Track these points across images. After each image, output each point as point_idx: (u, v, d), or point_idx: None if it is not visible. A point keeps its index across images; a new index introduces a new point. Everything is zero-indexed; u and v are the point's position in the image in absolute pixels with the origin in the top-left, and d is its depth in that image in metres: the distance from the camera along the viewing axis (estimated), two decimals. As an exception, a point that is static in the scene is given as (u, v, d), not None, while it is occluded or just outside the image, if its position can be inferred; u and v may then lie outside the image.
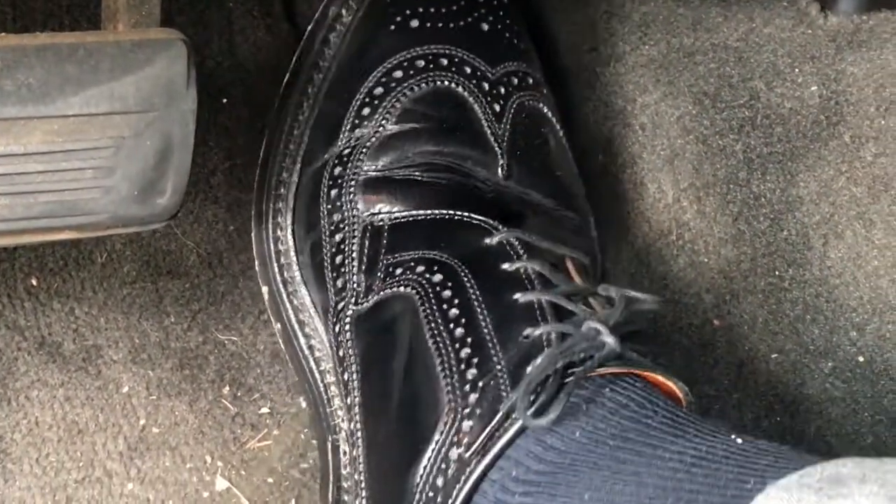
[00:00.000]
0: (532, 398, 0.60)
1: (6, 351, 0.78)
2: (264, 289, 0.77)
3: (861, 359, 0.78)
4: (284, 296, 0.76)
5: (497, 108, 0.73)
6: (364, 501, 0.67)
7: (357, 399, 0.68)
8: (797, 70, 0.81)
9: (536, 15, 0.86)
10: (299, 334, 0.75)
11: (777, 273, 0.80)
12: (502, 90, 0.74)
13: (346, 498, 0.71)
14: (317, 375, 0.75)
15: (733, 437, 0.57)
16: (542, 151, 0.75)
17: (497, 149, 0.72)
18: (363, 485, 0.67)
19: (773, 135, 0.81)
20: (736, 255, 0.81)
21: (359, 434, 0.68)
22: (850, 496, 0.47)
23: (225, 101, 0.85)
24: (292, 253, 0.76)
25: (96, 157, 0.59)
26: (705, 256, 0.81)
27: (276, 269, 0.76)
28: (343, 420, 0.73)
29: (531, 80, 0.76)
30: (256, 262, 0.78)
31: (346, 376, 0.70)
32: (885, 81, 0.80)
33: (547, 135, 0.76)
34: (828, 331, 0.79)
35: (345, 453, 0.72)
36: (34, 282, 0.79)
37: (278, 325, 0.77)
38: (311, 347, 0.75)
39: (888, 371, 0.78)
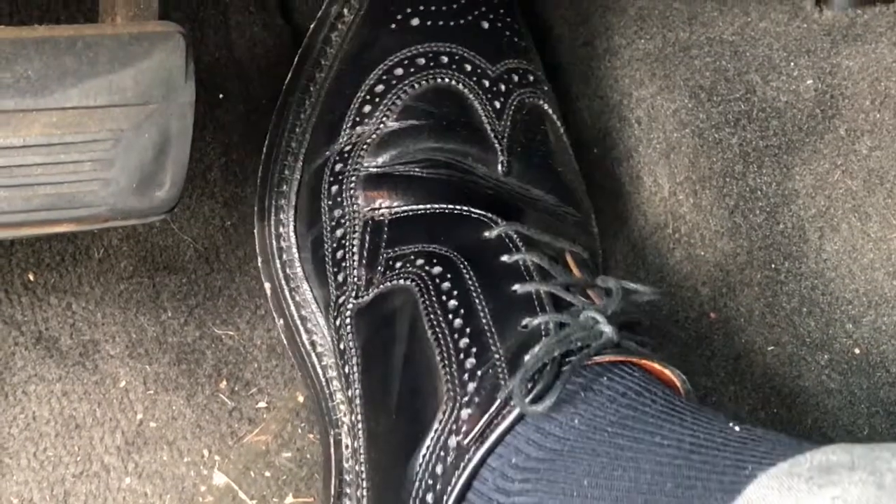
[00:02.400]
0: (529, 386, 0.60)
1: (3, 346, 0.78)
2: (267, 285, 0.77)
3: (857, 351, 0.78)
4: (287, 292, 0.76)
5: (497, 104, 0.73)
6: (365, 492, 0.67)
7: (357, 391, 0.69)
8: (793, 64, 0.81)
9: (531, 10, 0.86)
10: (301, 330, 0.75)
11: (773, 266, 0.80)
12: (502, 87, 0.74)
13: (347, 490, 0.71)
14: (319, 370, 0.75)
15: (731, 424, 0.57)
16: (542, 148, 0.75)
17: (497, 145, 0.72)
18: (364, 475, 0.67)
19: (769, 128, 0.81)
20: (732, 248, 0.81)
21: (360, 426, 0.68)
22: (840, 484, 0.48)
23: (221, 96, 0.85)
24: (294, 249, 0.76)
25: (95, 150, 0.59)
26: (702, 249, 0.81)
27: (279, 266, 0.76)
28: (344, 414, 0.73)
29: (531, 78, 0.77)
30: (259, 259, 0.78)
31: (346, 369, 0.70)
32: (879, 75, 0.80)
33: (547, 131, 0.76)
34: (824, 323, 0.79)
35: (346, 447, 0.72)
36: (31, 277, 0.79)
37: (281, 321, 0.77)
38: (312, 343, 0.75)
39: (884, 363, 0.78)
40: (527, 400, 0.59)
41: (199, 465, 0.79)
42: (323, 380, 0.75)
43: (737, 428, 0.57)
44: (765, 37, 0.81)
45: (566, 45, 0.86)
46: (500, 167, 0.72)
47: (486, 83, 0.74)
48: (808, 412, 0.79)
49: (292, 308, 0.76)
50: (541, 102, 0.76)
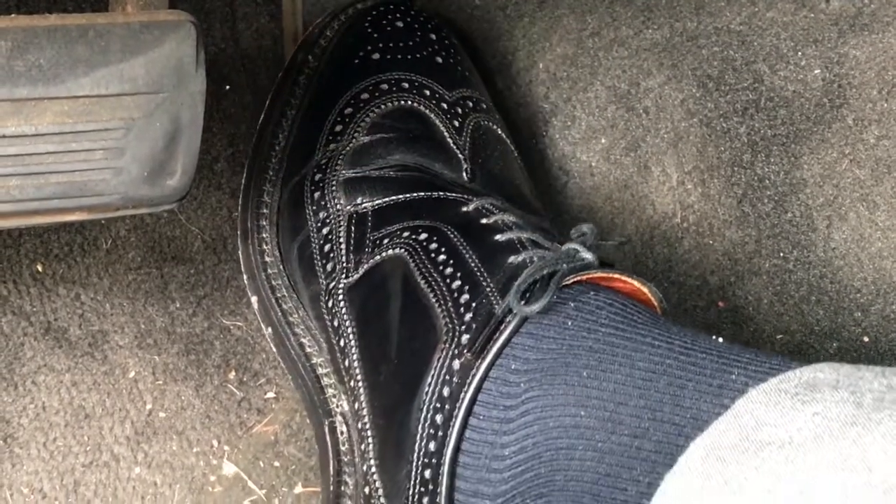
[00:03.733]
0: (524, 298, 0.63)
1: (13, 336, 0.78)
2: (254, 299, 0.80)
3: (866, 339, 0.78)
4: (273, 301, 0.79)
5: (456, 123, 0.79)
6: (370, 443, 0.68)
7: (355, 356, 0.70)
8: (800, 53, 0.81)
9: (536, 2, 0.86)
10: (289, 333, 0.78)
11: (781, 255, 0.80)
12: (459, 110, 0.80)
13: (346, 469, 0.73)
14: (308, 368, 0.77)
15: (714, 336, 0.61)
16: (500, 163, 0.80)
17: (460, 155, 0.77)
18: (368, 427, 0.69)
19: (777, 118, 0.81)
20: (740, 237, 0.81)
21: (360, 388, 0.70)
22: (822, 401, 0.50)
23: (228, 87, 0.86)
24: (278, 263, 0.79)
25: (106, 138, 0.59)
26: (710, 239, 0.81)
27: (264, 278, 0.79)
28: (338, 405, 0.74)
29: (484, 106, 0.82)
30: (245, 276, 0.80)
31: (342, 342, 0.71)
32: (887, 64, 0.80)
33: (504, 151, 0.81)
34: (832, 312, 0.79)
35: (342, 433, 0.74)
36: (40, 268, 0.79)
37: (269, 330, 0.79)
38: (301, 345, 0.78)
39: (892, 351, 0.78)
40: (521, 303, 0.62)
41: (209, 454, 0.79)
42: (313, 376, 0.77)
43: (719, 339, 0.60)
44: (772, 26, 0.81)
45: (574, 35, 0.86)
46: (464, 174, 0.77)
47: (445, 105, 0.79)
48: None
49: (280, 314, 0.78)
50: (494, 127, 0.81)
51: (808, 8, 0.81)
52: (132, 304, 0.81)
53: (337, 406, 0.75)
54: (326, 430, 0.75)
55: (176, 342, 0.81)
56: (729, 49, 0.82)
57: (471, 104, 0.81)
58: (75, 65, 0.57)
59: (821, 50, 0.81)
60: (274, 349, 0.79)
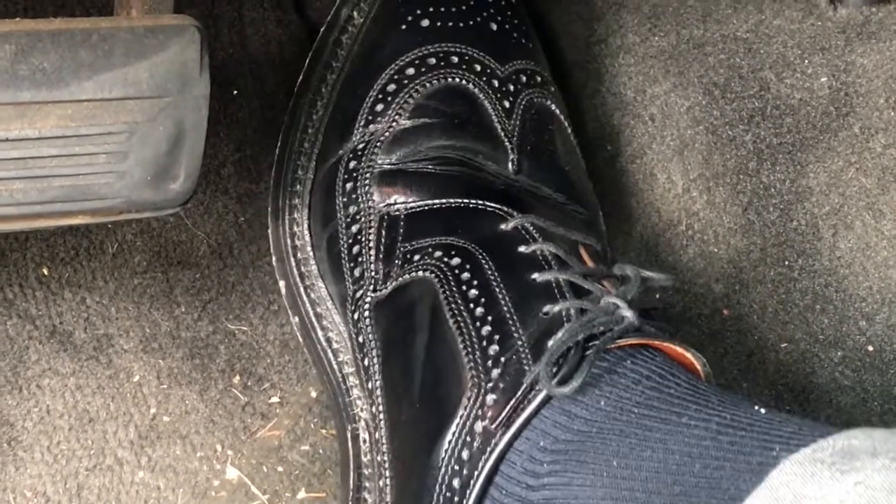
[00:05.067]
0: (555, 370, 0.60)
1: (18, 339, 0.78)
2: (281, 283, 0.77)
3: (870, 348, 0.78)
4: (302, 289, 0.76)
5: (507, 104, 0.74)
6: (388, 481, 0.67)
7: (378, 383, 0.69)
8: (807, 61, 0.81)
9: (544, 7, 0.86)
10: (317, 327, 0.76)
11: (787, 263, 0.80)
12: (511, 87, 0.75)
13: (367, 484, 0.72)
14: (335, 366, 0.75)
15: (756, 407, 0.57)
16: (550, 147, 0.76)
17: (507, 143, 0.73)
18: (387, 465, 0.67)
19: (783, 125, 0.81)
20: (745, 245, 0.81)
21: (381, 417, 0.68)
22: (863, 470, 0.48)
23: (235, 92, 0.86)
24: (309, 248, 0.77)
25: (110, 142, 0.60)
26: (715, 246, 0.81)
27: (294, 264, 0.77)
28: (362, 409, 0.73)
29: (539, 79, 0.77)
30: (273, 258, 0.78)
31: (366, 362, 0.70)
32: (894, 73, 0.80)
33: (555, 132, 0.77)
34: (837, 320, 0.79)
35: (364, 441, 0.73)
36: (45, 271, 0.80)
37: (296, 319, 0.77)
38: (328, 340, 0.76)
39: (898, 360, 0.78)
40: (553, 382, 0.60)
41: (212, 459, 0.79)
42: (339, 375, 0.75)
43: (762, 410, 0.57)
44: (779, 34, 0.81)
45: (581, 42, 0.86)
46: (510, 165, 0.73)
47: (496, 83, 0.75)
48: (821, 409, 0.79)
49: (308, 305, 0.76)
50: (548, 103, 0.77)
51: (815, 16, 0.81)
52: (137, 308, 0.81)
53: (361, 410, 0.73)
54: (349, 435, 0.73)
55: (181, 346, 0.81)
56: (735, 57, 0.82)
57: (524, 78, 0.76)
58: (79, 69, 0.57)
59: (827, 58, 0.81)
60: (300, 340, 0.78)
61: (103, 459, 0.77)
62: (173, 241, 0.83)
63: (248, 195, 0.83)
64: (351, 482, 0.72)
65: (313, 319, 0.76)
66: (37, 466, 0.76)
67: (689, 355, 0.63)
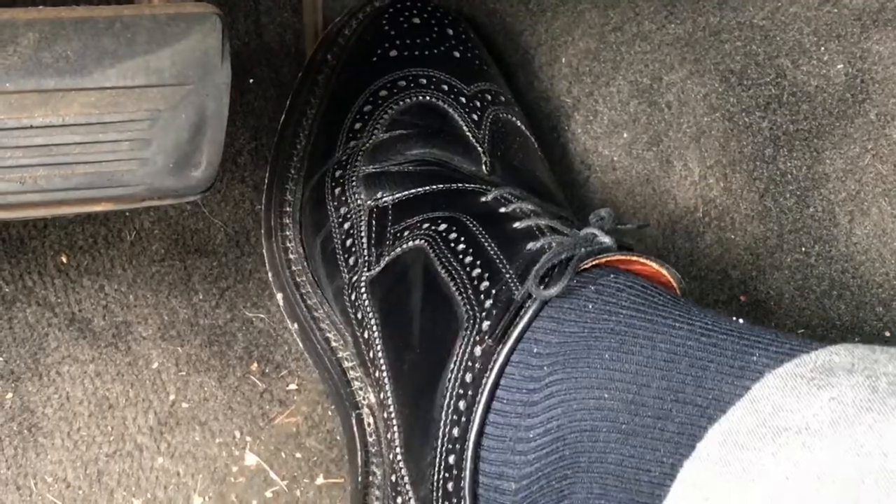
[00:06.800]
0: (541, 284, 0.63)
1: (37, 327, 0.79)
2: (279, 295, 0.80)
3: (888, 334, 0.78)
4: (298, 297, 0.79)
5: (475, 117, 0.79)
6: (396, 431, 0.68)
7: (379, 347, 0.71)
8: (823, 48, 0.81)
9: (555, 5, 0.86)
10: (315, 329, 0.78)
11: (803, 249, 0.80)
12: (478, 103, 0.80)
13: (374, 460, 0.73)
14: (335, 362, 0.77)
15: (734, 318, 0.60)
16: (520, 154, 0.80)
17: (479, 148, 0.78)
18: (394, 416, 0.69)
19: (800, 112, 0.81)
20: (762, 231, 0.81)
21: (385, 377, 0.70)
22: (838, 386, 0.51)
23: (251, 81, 0.86)
24: (302, 259, 0.79)
25: (132, 130, 0.60)
26: (732, 233, 0.82)
27: (288, 275, 0.79)
28: (363, 398, 0.75)
29: (503, 98, 0.83)
30: (269, 274, 0.81)
31: (366, 335, 0.72)
32: (910, 60, 0.80)
33: (524, 143, 0.81)
34: (854, 306, 0.79)
35: (369, 425, 0.74)
36: (64, 259, 0.80)
37: (295, 325, 0.79)
38: (326, 339, 0.78)
39: (915, 346, 0.78)
40: (540, 288, 0.62)
41: (231, 445, 0.79)
42: (339, 370, 0.77)
43: (741, 321, 0.60)
44: (795, 21, 0.81)
45: (596, 29, 0.86)
46: (483, 167, 0.77)
47: (463, 100, 0.80)
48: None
49: (305, 311, 0.79)
50: (514, 119, 0.82)
51: (832, 3, 0.81)
52: (156, 295, 0.81)
53: (363, 399, 0.75)
54: (354, 421, 0.75)
55: (199, 334, 0.81)
56: (752, 44, 0.82)
57: (489, 97, 0.81)
58: (102, 56, 0.58)
59: (844, 45, 0.81)
60: (300, 344, 0.79)
61: (123, 445, 0.78)
62: (191, 230, 0.83)
63: (264, 183, 0.83)
64: (359, 458, 0.74)
65: (311, 323, 0.78)
66: (57, 452, 0.77)
67: (665, 272, 0.66)
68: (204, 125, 0.62)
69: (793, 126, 0.81)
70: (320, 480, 0.80)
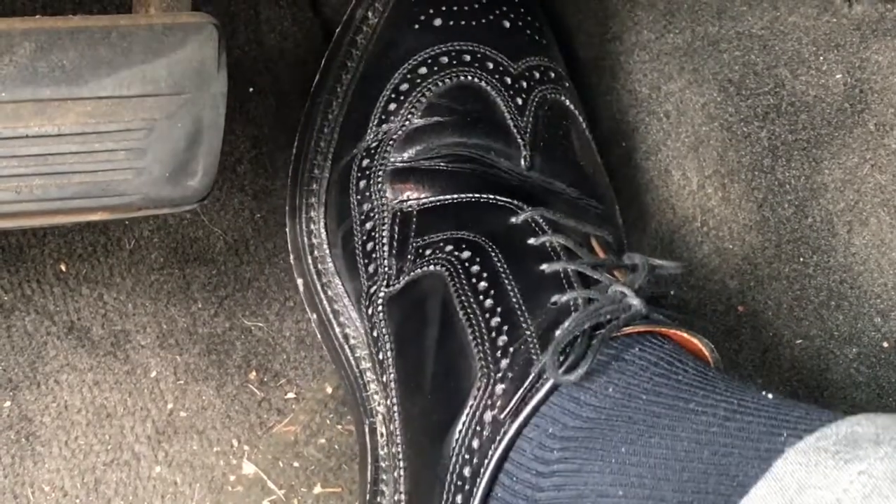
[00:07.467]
0: (562, 358, 0.61)
1: (36, 335, 0.79)
2: (299, 281, 0.78)
3: (885, 344, 0.78)
4: (319, 287, 0.77)
5: (519, 101, 0.75)
6: (402, 471, 0.67)
7: (392, 376, 0.69)
8: (822, 58, 0.81)
9: (559, 4, 0.86)
10: (334, 323, 0.76)
11: (801, 259, 0.80)
12: (524, 84, 0.75)
13: (384, 476, 0.72)
14: (352, 362, 0.76)
15: (763, 392, 0.58)
16: (564, 142, 0.76)
17: (520, 140, 0.74)
18: (400, 456, 0.68)
19: (798, 122, 0.81)
20: (760, 241, 0.81)
21: (395, 409, 0.69)
22: (866, 458, 0.49)
23: (251, 90, 0.86)
24: (325, 245, 0.77)
25: (128, 139, 0.60)
26: (730, 243, 0.81)
27: (310, 262, 0.77)
28: (379, 404, 0.74)
29: (553, 74, 0.78)
30: (291, 256, 0.79)
31: (380, 356, 0.71)
32: (909, 70, 0.80)
33: (569, 126, 0.77)
34: (852, 317, 0.79)
35: (381, 435, 0.73)
36: (63, 267, 0.80)
37: (314, 316, 0.78)
38: (346, 336, 0.76)
39: (913, 357, 0.78)
40: (560, 370, 0.60)
41: (229, 454, 0.79)
42: (357, 371, 0.75)
43: (769, 395, 0.57)
44: (794, 31, 0.81)
45: (595, 39, 0.86)
46: (522, 162, 0.73)
47: (508, 80, 0.75)
48: (836, 405, 0.79)
49: (325, 302, 0.77)
50: (562, 98, 0.77)
51: (831, 13, 0.81)
52: (154, 304, 0.81)
53: (378, 405, 0.74)
54: (367, 429, 0.74)
55: (197, 342, 0.81)
56: (750, 53, 0.82)
57: (538, 74, 0.76)
58: (98, 66, 0.58)
59: (843, 55, 0.81)
60: (319, 336, 0.78)
61: (120, 454, 0.78)
62: (190, 238, 0.83)
63: (263, 192, 0.83)
64: (368, 475, 0.73)
65: (330, 316, 0.77)
66: (54, 461, 0.77)
67: (696, 341, 0.63)
68: (200, 135, 0.62)
69: (791, 136, 0.81)
70: (318, 490, 0.80)
